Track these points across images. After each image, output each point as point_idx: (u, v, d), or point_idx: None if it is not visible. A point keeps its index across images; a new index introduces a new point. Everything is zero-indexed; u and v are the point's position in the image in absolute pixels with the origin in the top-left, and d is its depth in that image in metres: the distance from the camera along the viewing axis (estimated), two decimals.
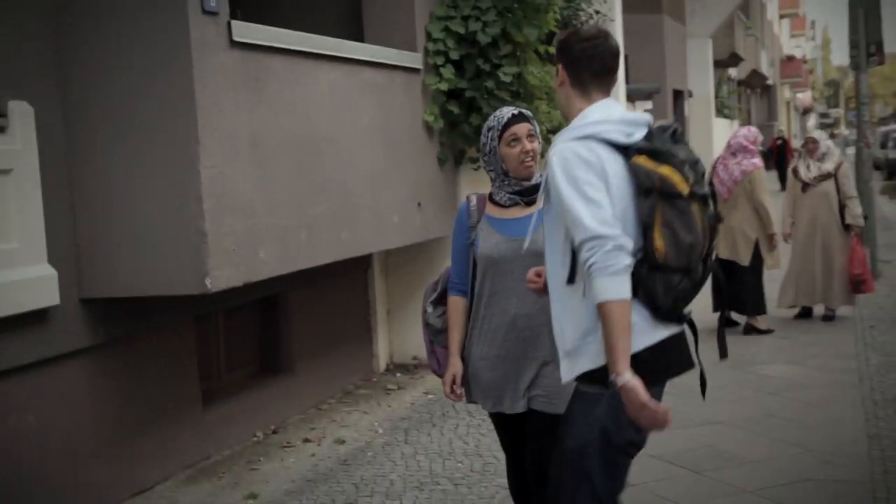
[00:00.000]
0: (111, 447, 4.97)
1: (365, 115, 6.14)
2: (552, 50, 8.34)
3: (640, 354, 2.69)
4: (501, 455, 3.92)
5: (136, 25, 4.54)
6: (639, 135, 2.79)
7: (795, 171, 8.88)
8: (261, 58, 5.05)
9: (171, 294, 4.73)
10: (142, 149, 4.61)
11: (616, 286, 2.63)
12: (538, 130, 3.53)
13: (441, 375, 3.63)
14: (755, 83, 38.67)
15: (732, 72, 31.00)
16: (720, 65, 26.52)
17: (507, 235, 3.41)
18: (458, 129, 7.22)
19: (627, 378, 2.60)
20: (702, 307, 3.39)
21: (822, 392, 6.37)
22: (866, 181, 11.21)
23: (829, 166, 8.61)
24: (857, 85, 12.42)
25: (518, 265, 3.34)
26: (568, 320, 2.81)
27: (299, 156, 5.38)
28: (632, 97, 14.51)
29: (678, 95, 18.25)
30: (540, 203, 3.21)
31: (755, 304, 8.30)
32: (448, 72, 6.94)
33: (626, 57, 13.63)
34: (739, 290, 8.08)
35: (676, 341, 2.81)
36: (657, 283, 2.69)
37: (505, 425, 3.58)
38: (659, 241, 2.67)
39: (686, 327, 2.85)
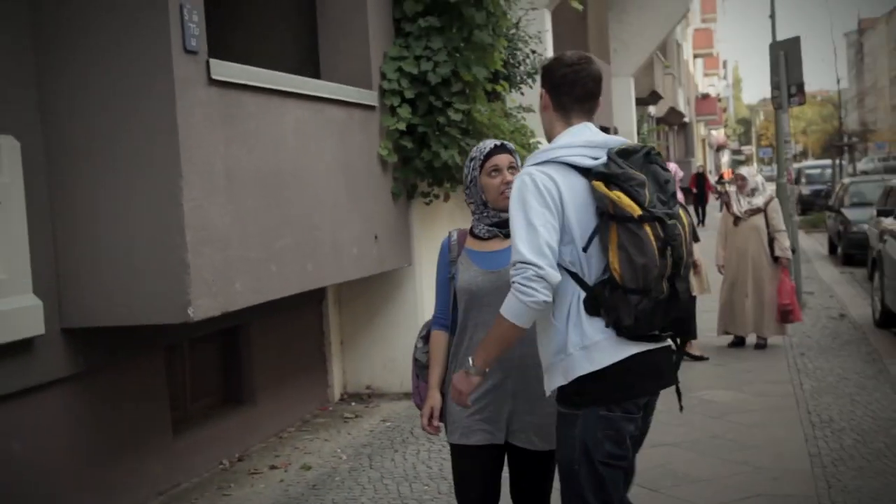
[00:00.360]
0: (88, 474, 5.05)
1: (327, 150, 6.35)
2: (498, 88, 8.74)
3: (605, 370, 2.88)
4: None
5: (120, 62, 4.68)
6: (602, 159, 2.91)
7: (728, 205, 9.33)
8: (235, 95, 5.24)
9: (153, 323, 4.86)
10: (124, 181, 4.75)
11: (520, 312, 2.87)
12: (520, 163, 3.52)
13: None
14: (673, 120, 39.79)
15: (652, 109, 31.89)
16: (641, 102, 27.29)
17: (486, 268, 3.43)
18: (411, 164, 7.46)
19: (473, 371, 3.05)
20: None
21: (761, 415, 6.72)
22: (789, 216, 11.75)
23: (759, 201, 9.08)
24: (778, 124, 13.01)
25: (496, 297, 3.26)
26: (545, 338, 3.02)
27: (268, 190, 5.57)
28: None
29: (605, 132, 18.74)
30: None
31: None
32: (404, 111, 7.20)
33: None
34: None
35: (646, 359, 2.93)
36: (617, 303, 2.84)
37: (474, 457, 3.45)
38: (615, 263, 2.83)
39: (667, 344, 3.00)
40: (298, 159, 5.94)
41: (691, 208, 23.84)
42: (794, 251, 9.69)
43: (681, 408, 3.27)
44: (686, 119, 43.51)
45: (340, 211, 6.48)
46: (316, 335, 7.78)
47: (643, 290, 2.84)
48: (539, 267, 2.82)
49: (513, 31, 10.10)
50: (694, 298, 3.11)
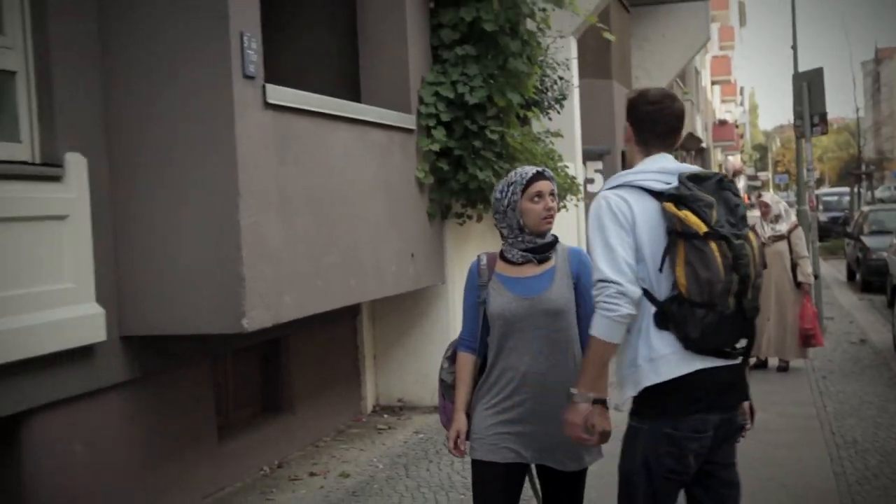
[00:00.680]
0: (141, 475, 5.29)
1: (369, 172, 6.61)
2: (530, 114, 8.99)
3: (670, 383, 3.02)
4: None
5: (183, 84, 4.95)
6: (674, 184, 3.10)
7: (753, 231, 9.52)
8: (288, 118, 5.50)
9: (209, 333, 5.10)
10: (183, 198, 5.00)
11: (608, 328, 3.01)
12: (556, 191, 3.63)
13: (447, 429, 3.66)
14: (691, 146, 39.95)
15: None
16: None
17: (519, 294, 3.46)
18: (446, 185, 7.71)
19: (580, 398, 3.08)
20: None
21: (786, 435, 6.90)
22: (811, 242, 11.94)
23: (783, 227, 9.28)
24: (799, 152, 13.22)
25: (529, 323, 3.44)
26: (621, 352, 3.18)
27: (316, 209, 5.81)
28: (585, 157, 15.13)
29: (626, 156, 19.02)
30: (552, 262, 3.51)
31: None
32: (439, 133, 7.45)
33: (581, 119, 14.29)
34: None
35: (714, 375, 3.04)
36: (685, 316, 2.99)
37: (497, 477, 3.47)
38: (681, 278, 2.98)
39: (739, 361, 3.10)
40: (344, 180, 6.19)
41: None
42: (816, 277, 9.87)
43: (751, 424, 3.34)
44: (703, 144, 43.67)
45: (381, 230, 6.73)
46: (351, 349, 8.01)
47: (709, 304, 2.98)
48: (619, 284, 2.99)
49: (541, 58, 10.34)
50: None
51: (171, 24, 4.93)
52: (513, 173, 3.61)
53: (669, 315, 3.03)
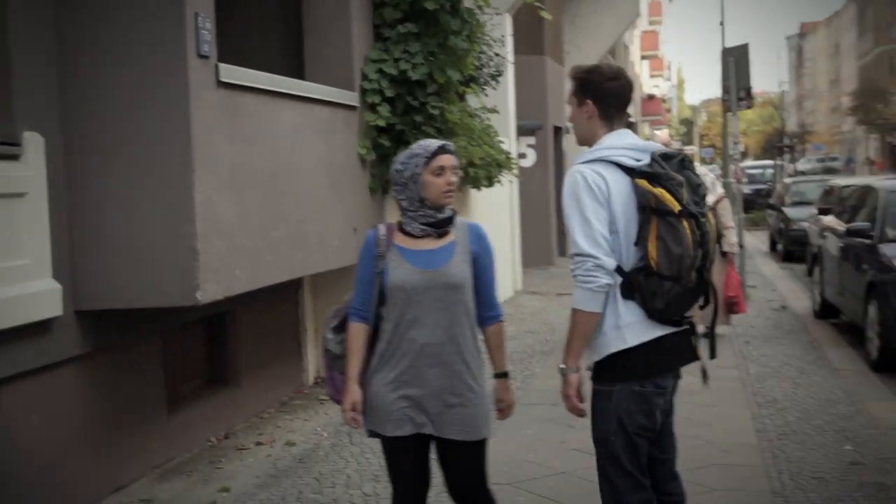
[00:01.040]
0: (94, 446, 5.43)
1: (315, 148, 6.79)
2: (469, 91, 9.22)
3: (635, 349, 3.23)
4: None
5: (138, 65, 5.09)
6: (645, 160, 3.27)
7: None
8: (238, 96, 5.66)
9: (163, 306, 5.26)
10: (138, 175, 5.15)
11: (590, 299, 3.21)
12: (458, 166, 3.64)
13: (338, 401, 3.65)
14: None
15: None
16: None
17: (419, 267, 3.49)
18: (387, 161, 7.91)
19: (569, 371, 3.30)
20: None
21: (711, 396, 7.24)
22: (736, 214, 12.39)
23: (710, 199, 9.66)
24: (725, 127, 13.66)
25: (429, 296, 3.47)
26: None
27: (266, 185, 5.99)
28: (518, 132, 15.42)
29: (558, 131, 19.32)
30: (451, 236, 3.54)
31: None
32: (384, 109, 7.65)
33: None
34: None
35: (673, 340, 3.30)
36: (653, 289, 3.20)
37: (405, 449, 3.55)
38: (653, 252, 3.17)
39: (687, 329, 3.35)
40: (291, 156, 6.37)
41: None
42: (740, 247, 10.30)
43: (705, 381, 3.66)
44: (632, 119, 44.35)
45: (326, 205, 6.92)
46: (293, 322, 8.20)
47: (676, 278, 3.20)
48: (596, 258, 3.18)
49: (480, 35, 10.57)
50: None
51: (127, 4, 5.05)
52: (415, 145, 3.61)
53: (636, 286, 3.24)
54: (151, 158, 5.14)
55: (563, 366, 3.33)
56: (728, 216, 9.67)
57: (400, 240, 3.55)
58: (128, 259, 5.21)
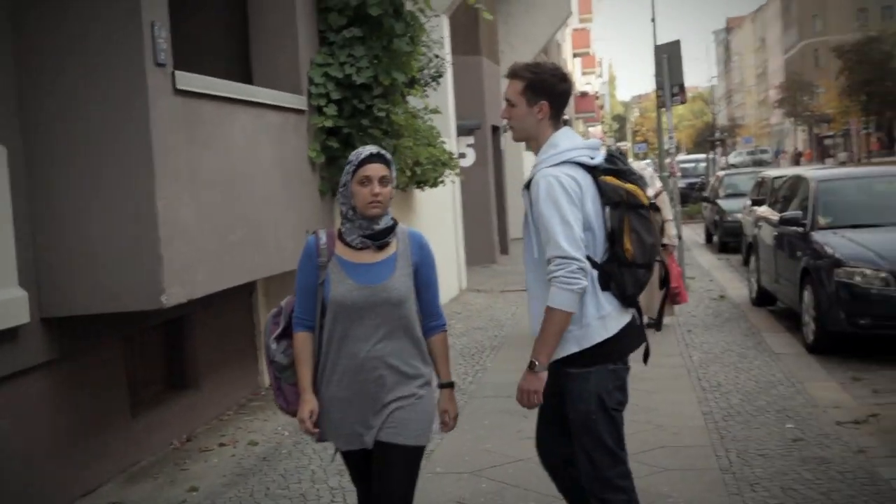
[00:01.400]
0: (61, 451, 5.50)
1: (268, 152, 6.92)
2: (413, 92, 9.40)
3: (615, 336, 3.42)
4: None
5: (98, 73, 5.17)
6: (598, 158, 3.45)
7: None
8: (195, 103, 5.76)
9: (129, 310, 5.35)
10: (100, 182, 5.23)
11: (569, 301, 3.33)
12: (395, 175, 3.52)
13: (289, 413, 3.62)
14: None
15: None
16: None
17: (360, 283, 3.42)
18: (336, 163, 8.06)
19: (541, 370, 3.42)
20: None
21: (658, 383, 7.56)
22: (674, 206, 12.74)
23: (650, 193, 9.94)
24: (659, 121, 14.02)
25: (370, 312, 3.42)
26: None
27: (223, 189, 6.11)
28: (458, 132, 15.63)
29: (496, 130, 19.58)
30: (393, 247, 3.49)
31: None
32: (331, 110, 7.81)
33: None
34: None
35: (633, 322, 3.54)
36: (627, 277, 3.40)
37: (357, 463, 3.62)
38: (628, 244, 3.37)
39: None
40: (246, 160, 6.49)
41: None
42: (679, 239, 10.63)
43: (646, 361, 3.77)
44: (566, 117, 44.75)
45: (280, 208, 7.05)
46: (248, 326, 8.29)
47: (648, 265, 3.45)
48: (580, 260, 3.33)
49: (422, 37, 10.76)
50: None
51: (85, 15, 5.14)
52: (353, 153, 3.53)
53: (611, 275, 3.43)
54: (113, 166, 5.23)
55: (535, 361, 3.43)
56: (667, 209, 9.99)
57: (341, 250, 3.48)
58: (93, 265, 5.29)
